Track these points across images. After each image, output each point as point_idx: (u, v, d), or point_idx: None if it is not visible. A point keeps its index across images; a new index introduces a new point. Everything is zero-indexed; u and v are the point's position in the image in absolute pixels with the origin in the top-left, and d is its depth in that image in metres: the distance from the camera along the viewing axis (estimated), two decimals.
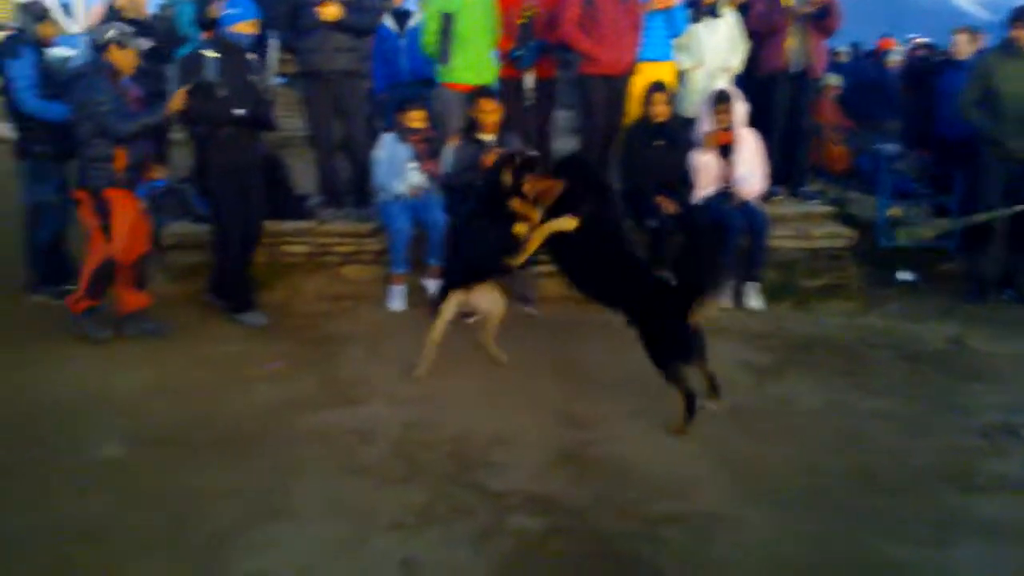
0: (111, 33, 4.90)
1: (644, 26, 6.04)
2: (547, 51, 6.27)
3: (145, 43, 5.05)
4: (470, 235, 4.62)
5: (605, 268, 4.27)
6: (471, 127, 5.48)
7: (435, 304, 4.66)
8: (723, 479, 3.67)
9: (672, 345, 4.08)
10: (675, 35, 6.25)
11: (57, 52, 5.93)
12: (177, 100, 4.89)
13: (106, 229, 4.84)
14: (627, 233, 4.74)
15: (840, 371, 4.80)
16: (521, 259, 4.37)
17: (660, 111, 5.80)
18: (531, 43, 6.14)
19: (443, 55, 5.93)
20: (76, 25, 10.58)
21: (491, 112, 5.33)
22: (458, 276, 4.62)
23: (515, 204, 4.34)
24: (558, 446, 3.91)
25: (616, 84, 5.99)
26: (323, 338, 5.13)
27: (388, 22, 6.58)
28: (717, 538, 3.27)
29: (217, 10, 5.78)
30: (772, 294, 5.80)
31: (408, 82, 6.72)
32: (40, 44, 5.50)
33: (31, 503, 3.40)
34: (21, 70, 5.35)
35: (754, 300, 5.71)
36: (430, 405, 4.27)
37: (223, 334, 5.12)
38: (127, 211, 4.90)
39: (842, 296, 5.94)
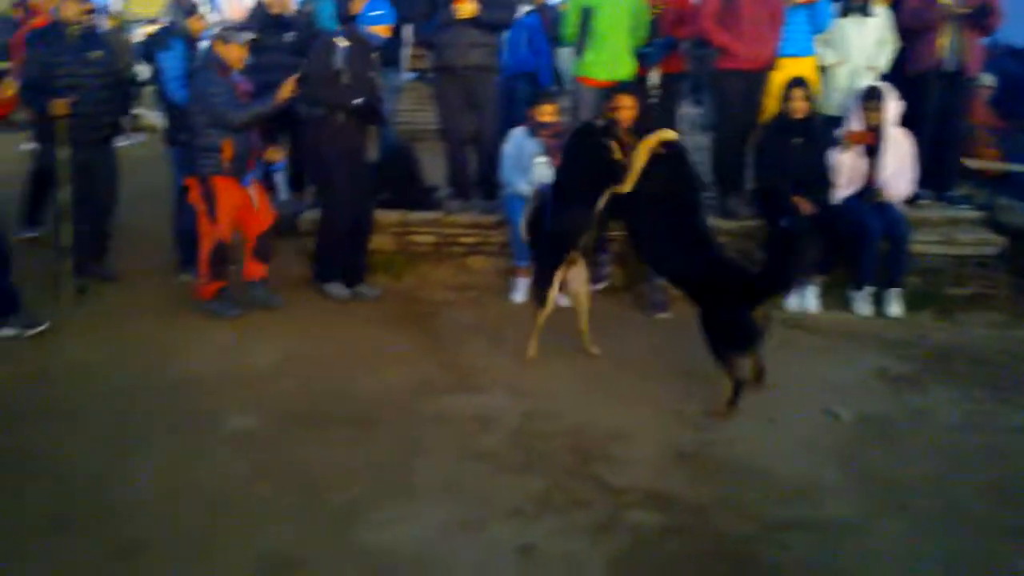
0: (215, 30, 5.13)
1: (785, 20, 5.84)
2: (674, 47, 6.18)
3: (247, 35, 5.21)
4: (565, 190, 4.66)
5: (677, 242, 4.29)
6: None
7: (538, 288, 4.70)
8: (852, 488, 3.54)
9: (733, 334, 4.10)
10: (818, 31, 6.01)
11: (205, 45, 6.28)
12: (286, 88, 5.06)
13: (212, 214, 5.09)
14: (705, 214, 4.72)
15: (983, 384, 4.52)
16: (630, 183, 4.32)
17: (799, 107, 5.57)
18: (658, 40, 6.08)
19: (580, 49, 5.94)
20: (223, 19, 11.17)
21: (627, 108, 5.28)
22: (556, 251, 4.62)
23: (613, 145, 4.43)
24: (678, 445, 3.85)
25: (754, 79, 5.81)
26: (447, 326, 5.21)
27: None
28: (843, 547, 3.16)
29: (358, 6, 5.98)
30: (914, 302, 5.50)
31: (509, 75, 6.77)
32: (189, 37, 5.80)
33: (171, 468, 3.60)
34: (171, 61, 5.67)
35: (894, 307, 5.44)
36: (550, 397, 4.28)
37: (354, 318, 5.27)
38: (231, 197, 5.15)
39: (989, 306, 5.58)
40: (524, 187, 5.51)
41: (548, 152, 5.52)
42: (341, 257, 5.64)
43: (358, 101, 5.28)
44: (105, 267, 5.83)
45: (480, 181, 6.34)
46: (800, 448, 3.86)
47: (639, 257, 4.64)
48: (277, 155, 5.64)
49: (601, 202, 4.44)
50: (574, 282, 4.72)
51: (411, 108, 10.06)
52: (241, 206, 5.22)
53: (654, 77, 6.05)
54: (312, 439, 3.84)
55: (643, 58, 6.06)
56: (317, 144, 5.47)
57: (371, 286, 5.68)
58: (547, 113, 5.59)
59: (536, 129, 5.57)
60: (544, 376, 4.51)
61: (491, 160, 6.06)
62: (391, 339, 4.98)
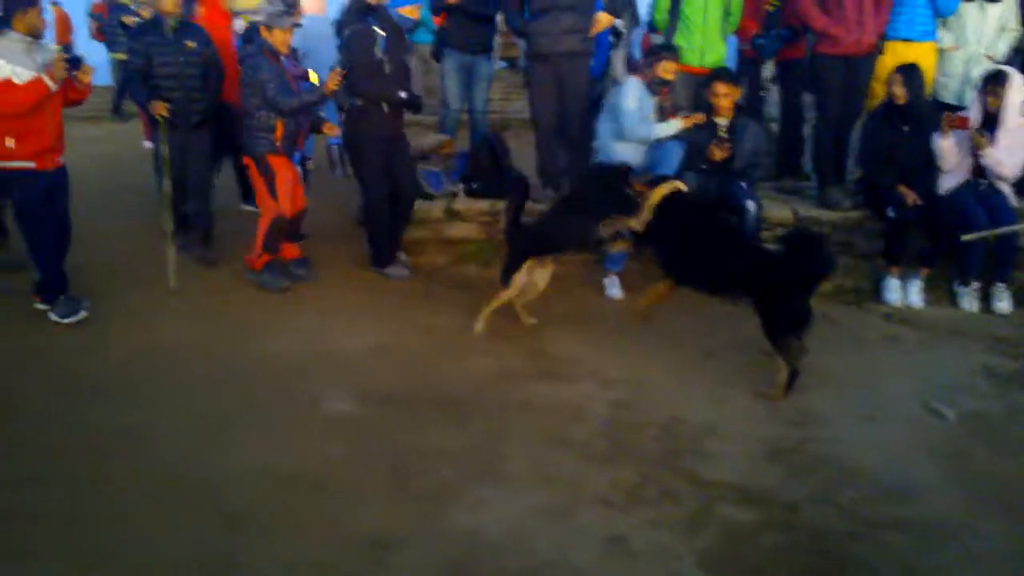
0: (259, 17, 5.31)
1: (903, 2, 5.61)
2: (792, 39, 6.06)
3: (290, 21, 5.33)
4: (573, 209, 4.82)
5: (718, 254, 4.33)
6: (709, 110, 5.34)
7: (507, 271, 4.87)
8: (955, 487, 3.42)
9: (792, 322, 4.14)
10: (942, 14, 5.74)
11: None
12: (333, 80, 5.20)
13: (272, 190, 5.31)
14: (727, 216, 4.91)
15: None
16: (641, 220, 4.51)
17: (897, 93, 5.33)
18: (774, 31, 5.94)
19: (668, 34, 5.86)
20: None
21: (725, 95, 5.17)
22: (535, 248, 4.84)
23: (636, 185, 4.64)
24: (772, 440, 3.78)
25: (856, 65, 5.61)
26: (535, 315, 5.19)
27: None
28: (943, 547, 3.06)
29: None
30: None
31: None
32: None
33: (269, 445, 3.70)
34: None
35: (1002, 303, 5.19)
36: (639, 388, 4.25)
37: (444, 305, 5.30)
38: (286, 175, 5.35)
39: None
40: (665, 130, 5.37)
41: (663, 111, 5.44)
42: (392, 240, 5.79)
43: (403, 95, 5.40)
44: (208, 251, 6.04)
45: (569, 170, 6.29)
46: (901, 446, 3.75)
47: (678, 282, 4.62)
48: (334, 130, 5.81)
49: (601, 229, 4.65)
50: (537, 274, 4.91)
51: (500, 97, 10.08)
52: (292, 182, 5.44)
53: (768, 68, 5.89)
54: (403, 422, 3.90)
55: (759, 49, 5.94)
56: (357, 132, 5.58)
57: (403, 265, 5.83)
58: (668, 70, 5.42)
59: (655, 86, 5.42)
60: (633, 367, 4.48)
61: (580, 148, 6.00)
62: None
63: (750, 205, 5.22)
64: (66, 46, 14.67)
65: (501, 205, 5.96)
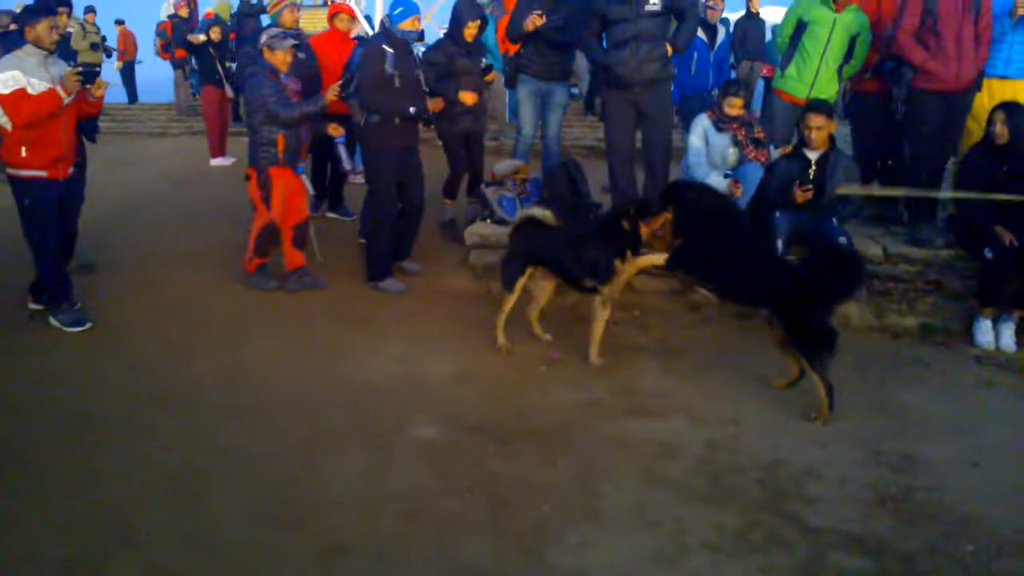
0: (263, 38, 5.66)
1: (1000, 40, 5.51)
2: None
3: (290, 42, 5.64)
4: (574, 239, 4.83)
5: (747, 266, 4.31)
6: (801, 142, 5.26)
7: (508, 275, 4.92)
8: None
9: (823, 338, 4.15)
10: None
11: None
12: (332, 92, 5.52)
13: (267, 200, 5.60)
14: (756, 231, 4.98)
15: None
16: (615, 288, 4.67)
17: (999, 132, 5.17)
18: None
19: (784, 60, 5.83)
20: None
21: (817, 129, 5.09)
22: (533, 257, 4.89)
23: (645, 231, 4.56)
24: (878, 486, 3.62)
25: (953, 101, 5.49)
26: (613, 346, 5.07)
27: None
28: None
29: (533, 24, 6.06)
30: None
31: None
32: None
33: (361, 473, 3.65)
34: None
35: None
36: (733, 426, 4.12)
37: (522, 332, 5.19)
38: (286, 184, 5.65)
39: None
40: (717, 181, 5.57)
41: (737, 142, 5.66)
42: (391, 254, 5.91)
43: (413, 110, 5.55)
44: None
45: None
46: (1012, 495, 3.59)
47: (717, 293, 4.65)
48: (338, 131, 6.21)
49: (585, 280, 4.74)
50: (537, 286, 5.00)
51: (568, 125, 10.06)
52: (294, 191, 5.73)
53: (900, 92, 5.78)
54: (494, 453, 3.82)
55: (889, 74, 5.84)
56: (373, 146, 5.70)
57: (412, 261, 6.09)
58: (735, 106, 5.69)
59: (724, 122, 5.63)
60: (725, 404, 4.35)
61: (660, 176, 5.90)
62: (558, 356, 4.91)
63: (841, 241, 5.12)
64: (128, 63, 14.98)
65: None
